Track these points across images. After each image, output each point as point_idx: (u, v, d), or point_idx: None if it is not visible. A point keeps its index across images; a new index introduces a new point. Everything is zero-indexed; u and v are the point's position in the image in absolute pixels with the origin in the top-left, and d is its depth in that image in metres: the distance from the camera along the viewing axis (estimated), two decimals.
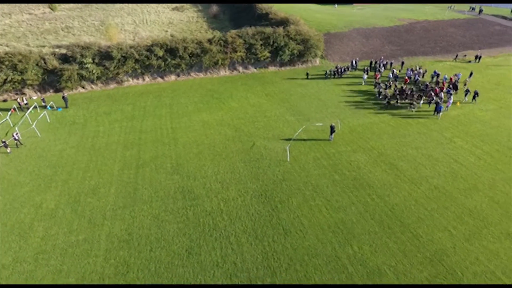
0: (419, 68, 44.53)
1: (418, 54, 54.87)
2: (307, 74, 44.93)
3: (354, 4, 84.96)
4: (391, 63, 47.35)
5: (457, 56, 52.24)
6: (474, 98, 36.24)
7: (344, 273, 17.31)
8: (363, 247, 18.84)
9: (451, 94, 36.79)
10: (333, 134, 30.02)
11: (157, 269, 17.68)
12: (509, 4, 78.48)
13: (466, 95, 36.89)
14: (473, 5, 79.75)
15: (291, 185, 24.03)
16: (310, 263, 17.85)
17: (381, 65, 46.58)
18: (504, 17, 73.83)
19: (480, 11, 76.39)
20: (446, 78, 40.74)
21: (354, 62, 47.20)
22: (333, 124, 30.12)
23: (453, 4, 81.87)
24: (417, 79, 41.54)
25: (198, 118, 34.39)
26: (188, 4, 79.94)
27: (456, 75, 42.05)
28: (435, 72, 42.04)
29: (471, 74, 42.30)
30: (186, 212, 21.62)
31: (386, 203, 22.19)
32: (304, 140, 29.95)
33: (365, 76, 42.19)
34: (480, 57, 51.22)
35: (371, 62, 47.89)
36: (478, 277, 16.98)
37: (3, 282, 17.06)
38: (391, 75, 42.23)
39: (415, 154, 27.73)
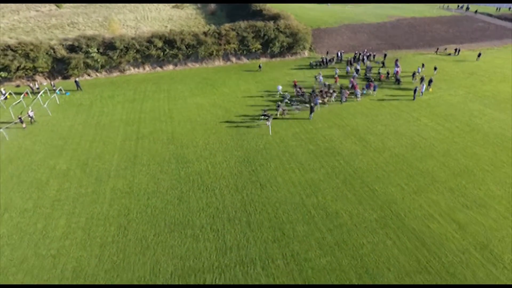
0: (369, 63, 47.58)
1: (402, 48, 58.49)
2: (311, 63, 48.50)
3: (348, 4, 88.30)
4: (374, 55, 50.88)
5: (437, 49, 55.81)
6: (429, 84, 39.63)
7: (307, 215, 20.91)
8: (326, 197, 22.46)
9: (399, 82, 41.27)
10: (312, 113, 33.63)
11: (153, 212, 21.34)
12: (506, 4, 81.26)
13: (421, 82, 40.37)
14: (461, 4, 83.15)
15: (271, 153, 27.68)
16: (280, 208, 21.49)
17: (365, 57, 50.13)
18: (490, 15, 77.27)
19: (467, 8, 79.90)
20: (419, 71, 43.86)
21: (339, 54, 50.80)
22: (313, 104, 33.73)
23: (447, 4, 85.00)
24: (367, 75, 44.24)
25: (193, 101, 38.08)
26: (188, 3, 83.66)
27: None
28: (396, 64, 45.03)
29: (423, 65, 45.55)
30: (179, 172, 25.29)
31: (351, 166, 25.80)
32: (286, 119, 33.57)
33: (348, 68, 45.67)
34: (459, 50, 54.77)
35: (355, 54, 51.42)
36: (418, 219, 20.52)
37: (26, 221, 20.76)
38: (354, 71, 45.00)
39: (383, 129, 31.32)
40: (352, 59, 49.08)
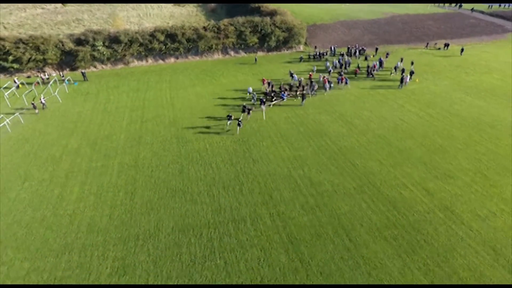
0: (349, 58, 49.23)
1: (394, 43, 60.90)
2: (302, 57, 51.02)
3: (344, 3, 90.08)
4: (364, 49, 53.33)
5: (427, 44, 58.24)
6: (410, 75, 41.73)
7: (294, 184, 23.50)
8: (311, 170, 25.05)
9: (372, 76, 43.52)
10: (304, 100, 36.21)
11: (156, 181, 23.98)
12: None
13: (402, 74, 42.42)
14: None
15: (264, 134, 30.27)
16: (270, 178, 24.09)
17: (357, 51, 52.66)
18: (482, 12, 79.56)
19: (460, 6, 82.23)
20: (398, 66, 45.52)
21: (332, 48, 53.33)
22: (305, 92, 36.33)
23: (443, 4, 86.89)
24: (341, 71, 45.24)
25: (193, 91, 40.71)
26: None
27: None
28: (380, 59, 46.93)
29: (401, 59, 47.00)
30: (179, 150, 27.93)
31: (337, 145, 28.37)
32: (280, 105, 36.13)
33: (328, 63, 46.84)
34: (448, 45, 57.13)
35: (348, 48, 53.96)
36: (392, 187, 23.07)
37: (44, 189, 23.42)
38: (336, 62, 46.97)
39: (369, 114, 33.86)
40: (345, 53, 51.51)
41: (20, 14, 76.94)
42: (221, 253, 18.03)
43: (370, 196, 22.25)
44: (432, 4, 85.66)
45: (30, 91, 39.50)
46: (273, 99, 36.10)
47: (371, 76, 43.73)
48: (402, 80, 40.00)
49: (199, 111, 34.90)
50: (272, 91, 38.05)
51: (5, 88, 39.47)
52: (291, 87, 38.87)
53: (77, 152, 27.80)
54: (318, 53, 50.51)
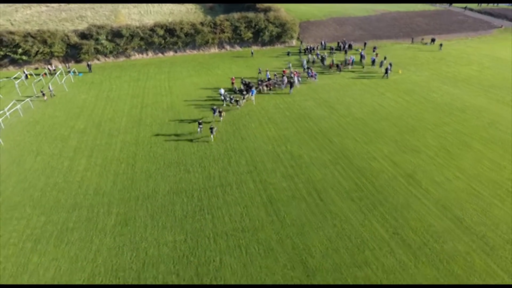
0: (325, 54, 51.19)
1: (382, 38, 63.73)
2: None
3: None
4: (350, 45, 56.09)
5: (413, 39, 61.14)
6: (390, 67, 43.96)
7: (276, 157, 26.46)
8: (293, 146, 28.02)
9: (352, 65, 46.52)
10: (292, 88, 39.18)
11: (154, 155, 26.98)
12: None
13: (380, 66, 45.43)
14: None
15: (253, 117, 33.25)
16: (255, 153, 27.05)
17: (346, 46, 55.57)
18: (471, 9, 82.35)
19: (450, 4, 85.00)
20: (384, 63, 47.73)
21: (323, 43, 56.29)
22: (292, 80, 39.30)
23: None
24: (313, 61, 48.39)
25: (190, 81, 43.71)
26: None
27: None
28: (361, 53, 49.35)
29: (376, 54, 49.22)
30: (175, 130, 30.92)
31: (318, 126, 31.33)
32: (269, 94, 39.08)
33: (304, 60, 49.09)
34: (434, 40, 59.93)
35: (338, 43, 56.90)
36: (363, 160, 26.01)
37: (55, 161, 26.45)
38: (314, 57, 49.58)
39: (350, 101, 36.80)
40: (334, 48, 54.49)
41: (26, 11, 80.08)
42: (209, 210, 21.04)
43: (343, 166, 25.22)
44: (424, 4, 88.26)
45: (39, 80, 42.50)
46: (244, 96, 37.10)
47: (339, 70, 45.43)
48: (386, 71, 42.86)
49: (194, 98, 37.87)
50: (246, 84, 39.17)
51: (15, 78, 42.51)
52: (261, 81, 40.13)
53: (83, 132, 30.84)
54: (307, 48, 53.34)
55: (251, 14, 54.55)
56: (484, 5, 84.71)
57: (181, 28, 51.59)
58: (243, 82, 40.04)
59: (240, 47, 56.42)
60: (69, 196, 22.48)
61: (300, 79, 41.57)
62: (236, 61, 51.50)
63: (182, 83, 42.62)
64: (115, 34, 49.87)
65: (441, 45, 55.87)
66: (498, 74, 44.11)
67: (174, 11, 76.61)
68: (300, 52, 54.64)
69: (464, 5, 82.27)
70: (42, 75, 44.45)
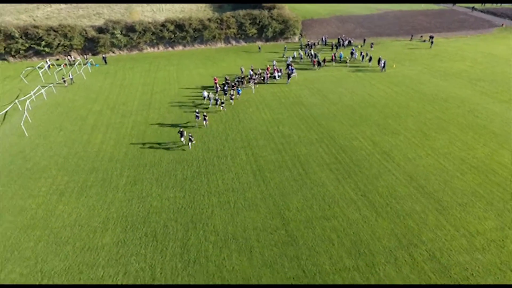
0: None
1: (383, 35, 66.28)
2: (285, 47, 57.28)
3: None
4: (350, 41, 58.90)
5: (412, 36, 63.51)
6: (378, 62, 46.79)
7: (269, 136, 29.75)
8: (284, 127, 31.29)
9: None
10: (290, 79, 42.43)
11: (161, 133, 30.58)
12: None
13: (370, 60, 48.05)
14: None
15: (251, 103, 36.63)
16: (251, 132, 30.42)
17: (345, 42, 58.46)
18: (475, 9, 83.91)
19: (453, 3, 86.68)
20: (381, 59, 50.10)
21: (324, 39, 59.30)
22: (289, 72, 42.56)
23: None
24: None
25: (196, 72, 47.39)
26: None
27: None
28: (352, 49, 52.24)
29: (365, 52, 51.70)
30: (181, 113, 34.54)
31: (310, 112, 34.49)
32: (268, 84, 42.42)
33: (289, 57, 51.69)
34: (433, 37, 62.16)
35: (338, 39, 59.82)
36: (346, 139, 29.06)
37: (75, 135, 30.38)
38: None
39: (342, 91, 39.81)
40: (335, 43, 57.47)
41: (46, 9, 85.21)
42: (205, 175, 24.53)
43: (327, 144, 28.38)
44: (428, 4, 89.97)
45: (60, 70, 46.84)
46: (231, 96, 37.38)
47: (319, 66, 47.60)
48: (384, 65, 45.64)
49: (199, 86, 41.45)
50: (228, 83, 40.14)
51: (39, 67, 46.92)
52: (242, 78, 41.96)
53: (99, 113, 34.78)
54: (308, 43, 56.45)
55: (255, 11, 57.99)
56: (488, 5, 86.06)
57: (190, 24, 55.37)
58: (227, 81, 40.44)
59: (245, 42, 59.88)
60: (87, 162, 26.29)
61: (281, 74, 43.75)
62: (241, 55, 54.99)
63: (189, 74, 46.32)
64: (129, 29, 53.97)
65: (432, 42, 58.00)
66: (488, 69, 46.35)
67: (185, 9, 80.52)
68: (301, 47, 57.72)
69: (471, 5, 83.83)
70: (63, 65, 48.73)
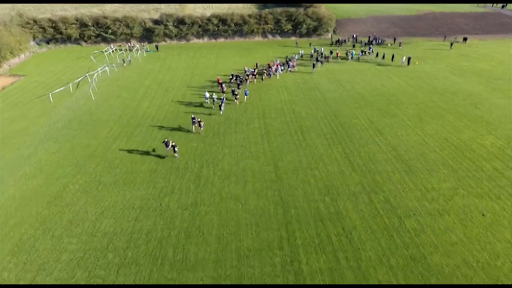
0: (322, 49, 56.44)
1: (416, 36, 68.21)
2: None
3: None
4: (379, 38, 61.97)
5: (445, 37, 64.81)
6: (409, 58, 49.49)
7: (281, 111, 35.34)
8: (296, 107, 36.66)
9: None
10: (315, 68, 47.53)
11: (195, 105, 37.54)
12: None
13: (376, 56, 51.64)
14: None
15: (272, 87, 42.41)
16: (266, 108, 36.21)
17: (374, 40, 61.80)
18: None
19: (503, 6, 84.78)
20: (353, 53, 53.08)
21: (355, 36, 63.15)
22: (314, 63, 47.67)
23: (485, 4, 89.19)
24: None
25: (232, 60, 54.18)
26: None
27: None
28: (370, 47, 55.29)
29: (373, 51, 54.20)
30: (214, 91, 41.32)
31: (323, 96, 39.46)
32: (292, 72, 47.88)
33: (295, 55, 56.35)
34: (466, 39, 63.13)
35: (369, 37, 63.29)
36: (347, 118, 33.76)
37: (129, 101, 38.46)
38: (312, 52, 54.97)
39: (359, 81, 44.06)
40: (366, 41, 61.11)
41: (114, 3, 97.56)
42: (222, 135, 30.83)
43: (329, 120, 33.35)
44: (473, 4, 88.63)
45: (121, 53, 56.29)
46: (239, 87, 40.48)
47: (320, 63, 49.97)
48: (409, 62, 48.89)
49: (232, 70, 48.06)
50: (237, 78, 42.96)
51: (105, 51, 56.77)
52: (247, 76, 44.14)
53: (148, 87, 42.81)
54: (338, 40, 60.77)
55: (292, 9, 63.43)
56: None
57: (232, 19, 62.37)
58: (233, 76, 42.96)
59: (281, 37, 65.63)
60: (136, 120, 33.98)
61: (282, 68, 47.61)
62: (274, 48, 60.89)
63: (226, 62, 53.23)
64: (180, 22, 62.34)
65: (451, 44, 59.07)
66: (511, 69, 47.44)
67: (232, 6, 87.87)
68: (332, 43, 62.13)
69: None
70: (124, 50, 58.23)
